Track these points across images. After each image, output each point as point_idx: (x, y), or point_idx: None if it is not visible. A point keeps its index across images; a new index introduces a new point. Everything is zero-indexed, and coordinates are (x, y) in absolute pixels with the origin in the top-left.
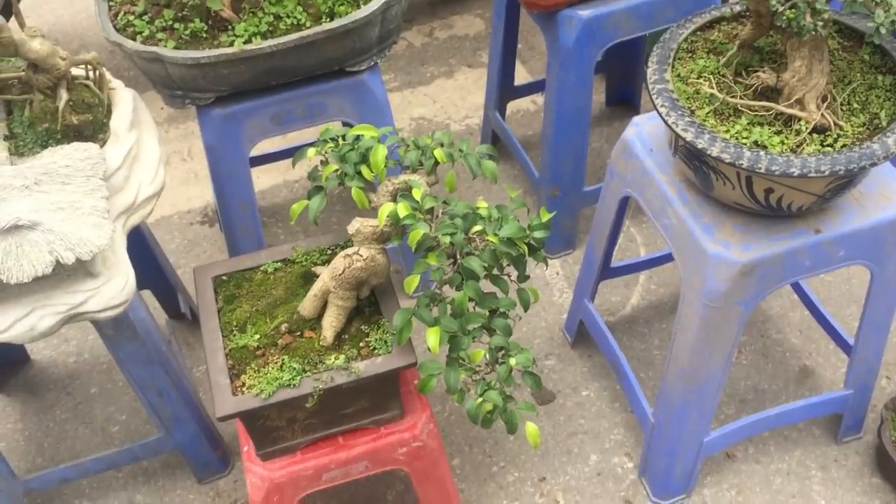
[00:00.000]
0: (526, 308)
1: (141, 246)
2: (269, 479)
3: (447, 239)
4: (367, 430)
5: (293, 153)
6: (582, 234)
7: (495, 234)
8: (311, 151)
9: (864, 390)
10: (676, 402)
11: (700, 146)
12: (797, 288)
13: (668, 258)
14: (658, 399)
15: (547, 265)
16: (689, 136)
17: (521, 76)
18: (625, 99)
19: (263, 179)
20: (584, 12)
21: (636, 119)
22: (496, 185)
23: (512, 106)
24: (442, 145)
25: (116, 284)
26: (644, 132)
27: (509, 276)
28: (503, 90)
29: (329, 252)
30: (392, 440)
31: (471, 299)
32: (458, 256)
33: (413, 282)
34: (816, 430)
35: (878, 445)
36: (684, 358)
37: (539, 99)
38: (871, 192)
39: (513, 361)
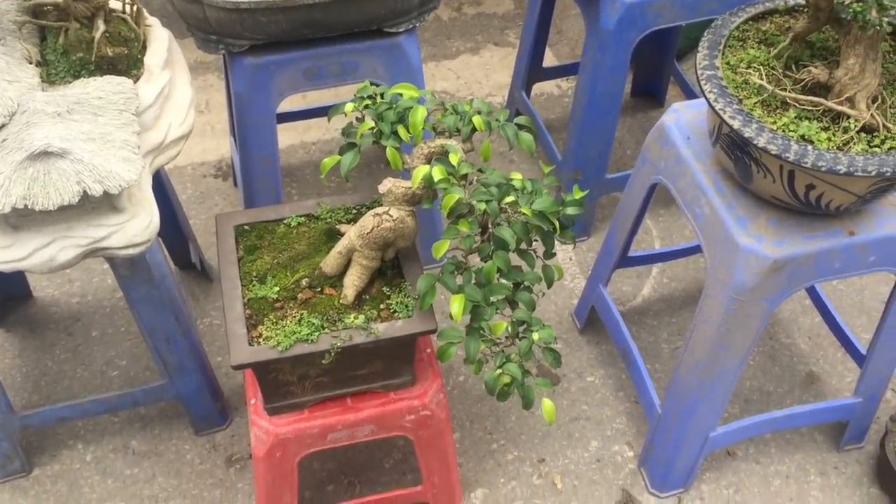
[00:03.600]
0: (550, 284)
1: (159, 190)
2: (275, 433)
3: (482, 206)
4: (377, 393)
5: (313, 113)
6: (598, 221)
7: (528, 207)
8: (349, 106)
9: (872, 400)
10: (688, 394)
11: (746, 135)
12: (811, 292)
13: (683, 252)
14: (668, 390)
15: (574, 244)
16: (735, 124)
17: (548, 59)
18: (650, 91)
19: (281, 138)
20: None
21: (675, 106)
22: (519, 163)
23: (536, 88)
24: (479, 113)
25: (141, 222)
26: (682, 119)
27: (535, 252)
28: (532, 70)
29: (354, 211)
30: (401, 406)
31: (497, 270)
32: (490, 226)
33: (442, 247)
34: (818, 435)
35: (880, 456)
36: (702, 350)
37: (564, 83)
38: None
39: (535, 336)
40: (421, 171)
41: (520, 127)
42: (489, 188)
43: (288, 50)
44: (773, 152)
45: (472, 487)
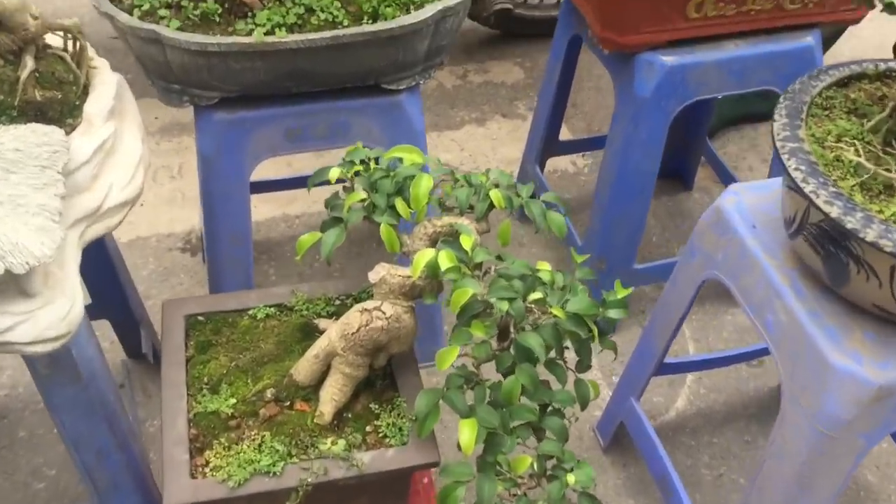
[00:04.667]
0: (584, 406)
1: (103, 265)
2: None
3: (504, 305)
4: None
5: (298, 182)
6: (622, 320)
7: (560, 307)
8: (334, 171)
9: None
10: None
11: (850, 226)
12: None
13: (726, 361)
14: None
15: (616, 354)
16: (834, 212)
17: (562, 134)
18: (677, 172)
19: (259, 210)
20: (668, 59)
21: (734, 187)
22: (530, 247)
23: (549, 165)
24: (498, 186)
25: (57, 311)
26: (745, 203)
27: (566, 363)
28: (548, 143)
29: (337, 302)
30: None
31: (521, 389)
32: (512, 330)
33: (449, 356)
34: None
35: None
36: (776, 494)
37: (579, 160)
38: None
39: (571, 479)
40: (424, 256)
41: (548, 205)
42: (511, 281)
43: (267, 105)
44: (888, 249)
45: None
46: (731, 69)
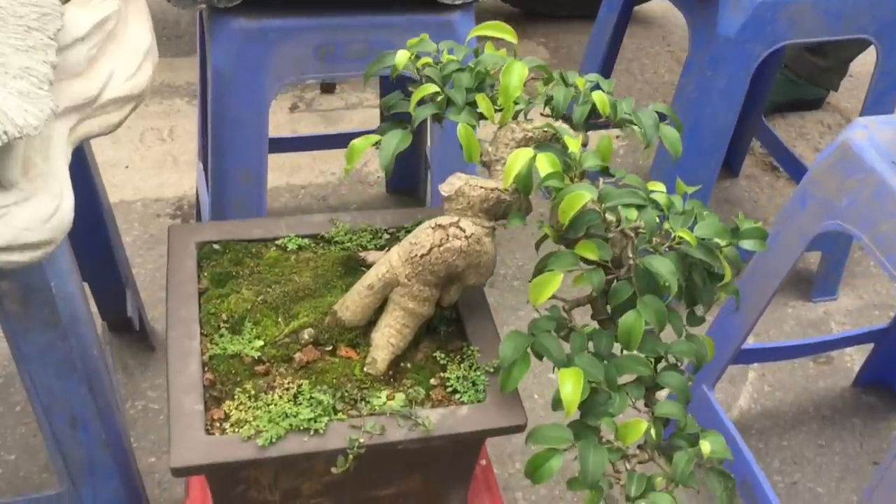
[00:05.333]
0: (698, 366)
1: (91, 214)
2: None
3: (632, 213)
4: None
5: (305, 144)
6: None
7: (688, 231)
8: (401, 55)
9: None
10: None
11: None
12: None
13: (792, 351)
14: None
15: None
16: None
17: None
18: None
19: None
20: None
21: (861, 120)
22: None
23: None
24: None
25: (39, 209)
26: (878, 138)
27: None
28: None
29: (387, 235)
30: None
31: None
32: (630, 254)
33: (549, 285)
34: None
35: None
36: None
37: (614, 140)
38: None
39: (706, 447)
40: (519, 157)
41: (661, 118)
42: (636, 193)
43: (295, 14)
44: None
45: None
46: (829, 10)
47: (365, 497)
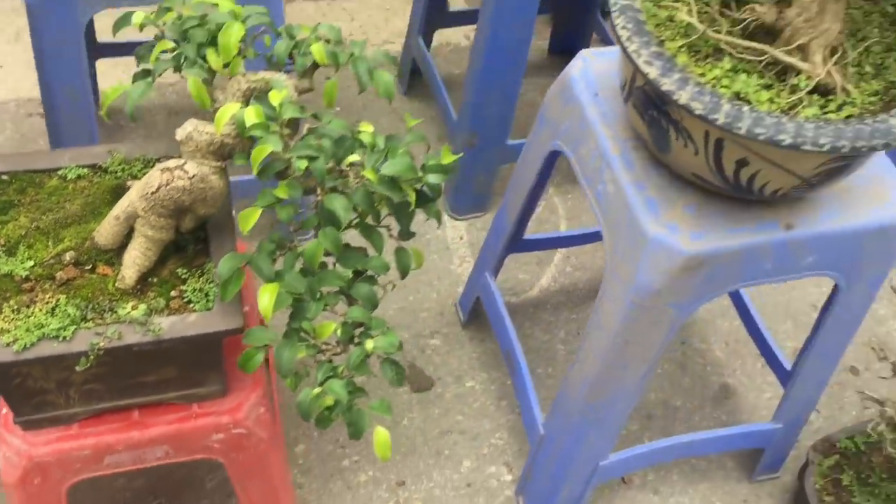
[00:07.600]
0: (404, 274)
1: None
2: (29, 455)
3: (302, 164)
4: (175, 406)
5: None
6: (497, 195)
7: (374, 170)
8: (137, 16)
9: (794, 426)
10: (574, 417)
11: (665, 87)
12: (733, 292)
13: (592, 237)
14: (553, 408)
15: (440, 222)
16: (652, 73)
17: (457, 2)
18: (571, 48)
19: (115, 75)
20: None
21: (584, 52)
22: (397, 115)
23: (441, 37)
24: (327, 42)
25: None
26: (592, 70)
27: (389, 230)
28: (432, 11)
29: (157, 164)
30: (205, 423)
31: (328, 253)
32: (319, 192)
33: (251, 217)
34: (729, 461)
35: (798, 490)
36: (593, 365)
37: (473, 33)
38: (860, 188)
39: (370, 345)
40: (228, 110)
41: (385, 66)
42: (322, 140)
43: None
44: (698, 112)
45: None
46: None
47: (131, 383)
